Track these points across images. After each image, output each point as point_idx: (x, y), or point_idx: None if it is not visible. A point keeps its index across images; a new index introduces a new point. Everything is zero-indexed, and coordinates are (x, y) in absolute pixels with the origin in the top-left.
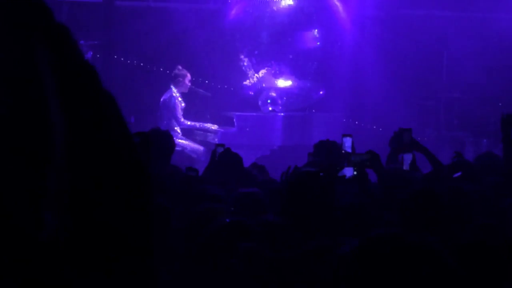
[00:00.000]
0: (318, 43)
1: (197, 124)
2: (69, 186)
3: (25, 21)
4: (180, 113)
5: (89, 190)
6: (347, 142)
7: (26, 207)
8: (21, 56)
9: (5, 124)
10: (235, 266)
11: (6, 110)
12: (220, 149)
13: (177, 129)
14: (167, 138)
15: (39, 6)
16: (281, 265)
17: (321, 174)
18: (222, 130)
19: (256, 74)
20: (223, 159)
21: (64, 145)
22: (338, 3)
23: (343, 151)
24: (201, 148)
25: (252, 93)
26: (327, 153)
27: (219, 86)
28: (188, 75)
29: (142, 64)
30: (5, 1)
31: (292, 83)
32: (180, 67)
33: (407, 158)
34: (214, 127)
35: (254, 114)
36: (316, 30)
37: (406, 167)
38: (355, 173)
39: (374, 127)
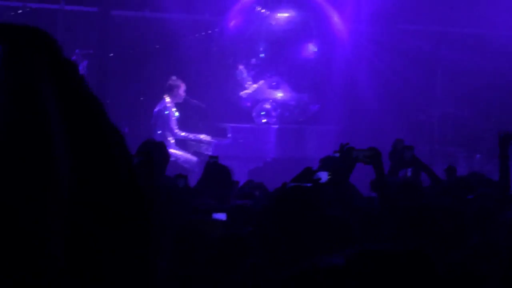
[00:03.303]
0: (314, 56)
1: (191, 135)
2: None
3: (33, 55)
4: (174, 123)
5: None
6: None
7: (32, 236)
8: (28, 91)
9: (12, 158)
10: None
11: (14, 145)
12: (212, 162)
13: (171, 139)
14: (162, 149)
15: (47, 40)
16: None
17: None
18: (215, 141)
19: (252, 85)
20: (211, 171)
21: (68, 181)
22: (334, 17)
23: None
24: (194, 158)
25: (249, 104)
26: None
27: (213, 97)
28: (183, 85)
29: (136, 73)
30: (15, 35)
31: (288, 95)
32: (174, 78)
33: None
34: (208, 138)
35: (248, 125)
36: (313, 43)
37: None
38: (329, 177)
39: (368, 140)
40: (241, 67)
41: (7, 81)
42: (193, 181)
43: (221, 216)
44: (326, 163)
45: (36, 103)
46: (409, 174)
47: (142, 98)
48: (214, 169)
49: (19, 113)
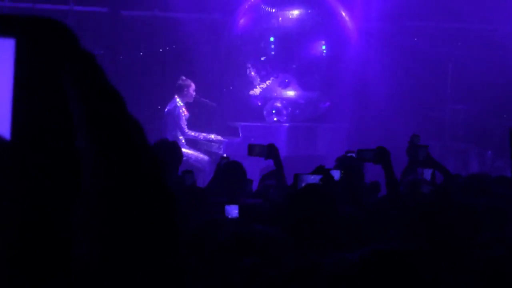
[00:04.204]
0: (324, 54)
1: (201, 135)
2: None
3: (52, 47)
4: (184, 123)
5: (118, 219)
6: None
7: (56, 236)
8: (47, 84)
9: (33, 154)
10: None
11: (33, 139)
12: (225, 162)
13: (182, 139)
14: (175, 149)
15: (65, 32)
16: (282, 283)
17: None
18: (227, 140)
19: (262, 84)
20: (225, 168)
21: (92, 174)
22: (344, 15)
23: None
24: (205, 157)
25: (260, 104)
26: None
27: (224, 96)
28: (192, 85)
29: (146, 73)
30: (28, 26)
31: (298, 93)
32: (184, 77)
33: (427, 172)
34: (219, 137)
35: (259, 124)
36: (322, 41)
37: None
38: (342, 175)
39: (379, 138)
40: (250, 66)
41: (23, 76)
42: (205, 180)
43: (233, 208)
44: (342, 162)
45: (56, 97)
46: (425, 174)
47: (152, 98)
48: (228, 166)
49: (38, 108)
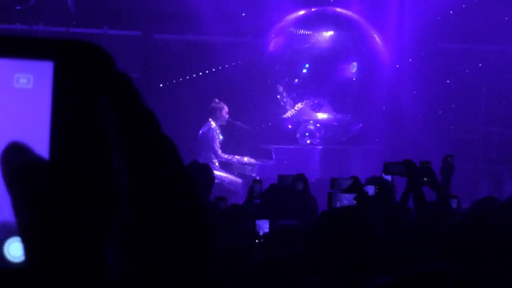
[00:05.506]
0: (356, 75)
1: (235, 158)
2: (133, 231)
3: (89, 71)
4: (218, 146)
5: (153, 239)
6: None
7: (92, 249)
8: (85, 107)
9: (70, 175)
10: None
11: (71, 161)
12: (258, 185)
13: (215, 161)
14: (207, 171)
15: (102, 55)
16: None
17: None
18: (260, 162)
19: (294, 107)
20: (269, 194)
21: (128, 192)
22: (376, 36)
23: None
24: (239, 180)
25: (291, 126)
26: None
27: (256, 119)
28: (226, 107)
29: (180, 96)
30: (65, 49)
31: (331, 116)
32: (217, 100)
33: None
34: (252, 160)
35: (292, 147)
36: (355, 63)
37: (454, 204)
38: (377, 191)
39: (412, 159)
40: (281, 89)
41: (62, 98)
42: (239, 203)
43: (264, 223)
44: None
45: (93, 119)
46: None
47: (185, 121)
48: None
49: (76, 129)
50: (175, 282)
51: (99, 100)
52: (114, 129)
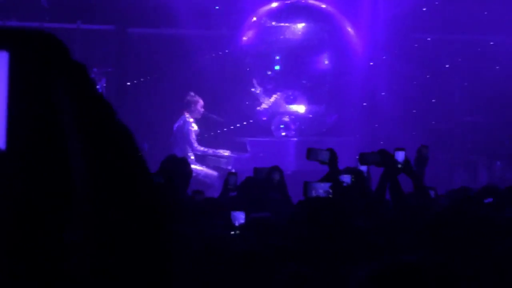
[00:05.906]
0: (330, 67)
1: (210, 150)
2: (91, 223)
3: (43, 59)
4: (193, 139)
5: (109, 228)
6: (400, 156)
7: (53, 241)
8: (40, 95)
9: (27, 161)
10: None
11: (27, 148)
12: (233, 178)
13: (191, 155)
14: (184, 165)
15: (56, 43)
16: None
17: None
18: (235, 155)
19: (269, 99)
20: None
21: (82, 177)
22: (350, 28)
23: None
24: (214, 173)
25: (265, 119)
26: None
27: (231, 112)
28: (201, 101)
29: (154, 90)
30: (26, 40)
31: (305, 108)
32: (192, 93)
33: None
34: (227, 153)
35: (267, 139)
36: (328, 55)
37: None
38: (353, 180)
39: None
40: (255, 82)
41: (17, 87)
42: (214, 195)
43: (240, 214)
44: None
45: (48, 106)
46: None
47: (160, 115)
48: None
49: (32, 117)
50: (130, 262)
51: (54, 87)
52: (69, 113)
